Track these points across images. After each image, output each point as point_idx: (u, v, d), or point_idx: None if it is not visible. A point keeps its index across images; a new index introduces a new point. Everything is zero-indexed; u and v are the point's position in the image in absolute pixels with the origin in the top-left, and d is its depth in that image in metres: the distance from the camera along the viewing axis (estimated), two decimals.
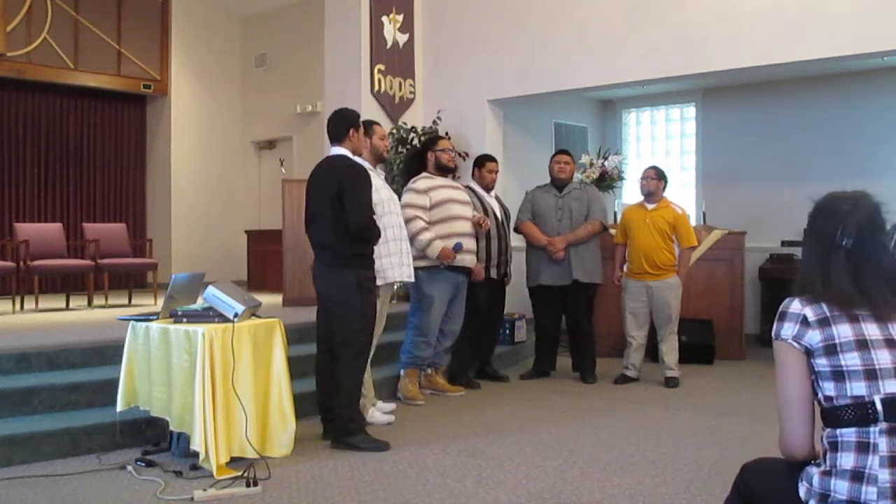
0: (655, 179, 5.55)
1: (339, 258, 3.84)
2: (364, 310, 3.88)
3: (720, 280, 6.49)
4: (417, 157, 5.14)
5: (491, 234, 5.34)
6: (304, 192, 4.02)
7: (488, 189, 5.49)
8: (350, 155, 3.95)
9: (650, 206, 5.54)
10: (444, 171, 5.03)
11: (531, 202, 5.68)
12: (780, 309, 1.79)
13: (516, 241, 5.89)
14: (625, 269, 5.58)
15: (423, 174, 4.98)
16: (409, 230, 4.65)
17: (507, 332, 6.38)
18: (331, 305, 3.91)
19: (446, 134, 7.16)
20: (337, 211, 3.79)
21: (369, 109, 6.83)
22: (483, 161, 5.58)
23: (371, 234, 3.89)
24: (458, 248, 4.89)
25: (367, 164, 4.39)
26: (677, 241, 5.50)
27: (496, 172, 5.53)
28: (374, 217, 3.95)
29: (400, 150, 6.94)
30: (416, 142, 7.05)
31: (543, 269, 5.52)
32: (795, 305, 1.77)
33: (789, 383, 1.75)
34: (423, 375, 5.15)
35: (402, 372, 4.94)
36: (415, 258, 4.67)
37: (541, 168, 5.88)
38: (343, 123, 3.99)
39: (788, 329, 1.76)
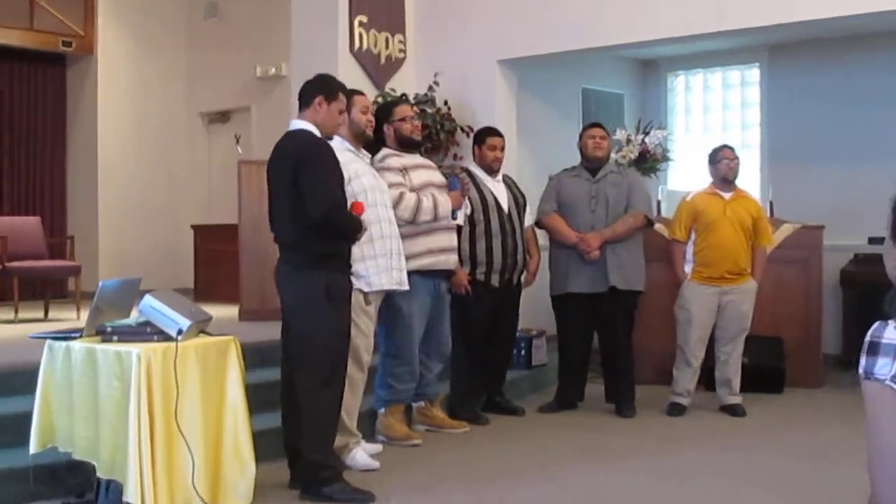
0: (738, 161, 5.63)
1: (305, 258, 3.86)
2: (333, 325, 3.89)
3: (791, 287, 6.49)
4: (375, 132, 4.91)
5: (493, 229, 5.33)
6: (266, 179, 4.04)
7: (492, 171, 5.49)
8: (312, 129, 3.96)
9: (727, 196, 5.59)
10: (409, 145, 4.95)
11: (556, 190, 5.68)
12: (868, 337, 1.73)
13: (540, 238, 5.88)
14: (688, 270, 5.60)
15: (387, 150, 4.89)
16: (402, 209, 4.66)
17: (523, 352, 6.39)
18: (291, 317, 3.93)
19: (445, 103, 7.19)
20: (296, 200, 3.81)
21: (348, 73, 6.82)
22: (483, 136, 5.57)
23: (342, 225, 3.90)
24: (454, 186, 4.92)
25: (346, 145, 4.39)
26: (753, 238, 5.60)
27: (501, 149, 5.52)
28: (352, 207, 3.97)
29: None
30: None
31: (573, 274, 5.53)
32: (890, 333, 1.70)
33: (886, 433, 1.70)
34: (415, 409, 5.16)
35: (382, 410, 4.92)
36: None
37: (565, 146, 5.90)
38: (310, 89, 4.00)
39: (884, 366, 1.69)
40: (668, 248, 5.73)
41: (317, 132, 3.97)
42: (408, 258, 4.65)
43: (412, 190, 4.80)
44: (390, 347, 4.91)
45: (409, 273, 4.65)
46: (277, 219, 3.96)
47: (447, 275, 5.06)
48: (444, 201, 4.86)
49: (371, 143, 4.74)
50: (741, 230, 5.52)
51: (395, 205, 4.65)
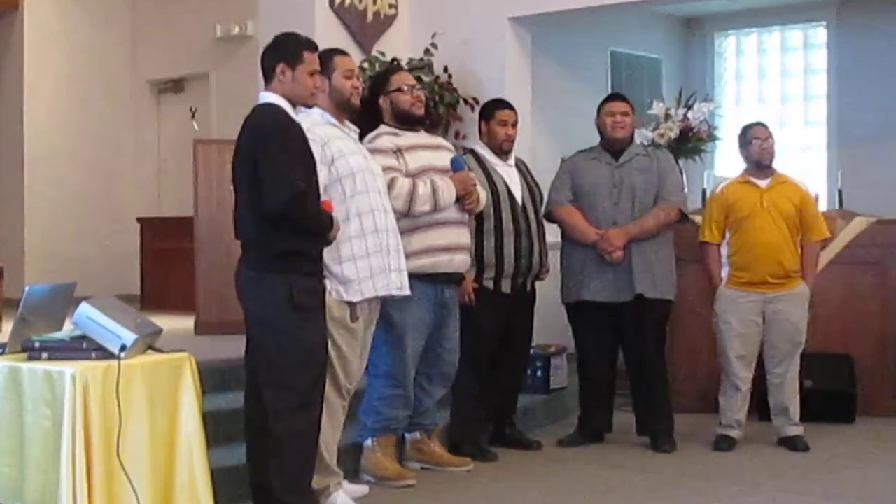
0: (772, 140, 5.63)
1: (266, 259, 3.89)
2: (302, 338, 3.90)
3: (865, 294, 6.47)
4: (368, 106, 4.93)
5: (504, 224, 5.32)
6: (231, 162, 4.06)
7: (503, 152, 5.49)
8: (282, 103, 3.99)
9: (763, 183, 5.59)
10: (409, 121, 4.96)
11: (571, 175, 5.69)
12: None
13: (553, 236, 5.88)
14: (724, 275, 5.62)
15: (382, 128, 4.92)
16: (394, 197, 4.65)
17: (539, 373, 6.39)
18: (254, 330, 3.96)
19: (445, 70, 7.18)
20: (256, 190, 3.85)
21: (327, 33, 6.82)
22: (491, 110, 5.57)
23: (307, 220, 3.92)
24: (458, 165, 4.94)
25: (328, 118, 4.40)
26: (801, 233, 5.59)
27: (513, 125, 5.51)
28: (326, 197, 4.01)
29: None
30: None
31: (590, 278, 5.52)
32: None
33: None
34: (409, 443, 5.17)
35: (369, 442, 4.92)
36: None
37: (589, 122, 5.88)
38: (268, 57, 4.04)
39: None
40: (702, 252, 5.72)
41: (287, 106, 3.99)
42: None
43: (407, 175, 4.80)
44: (379, 365, 4.89)
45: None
46: (237, 211, 4.00)
47: (454, 279, 5.03)
48: (446, 187, 4.84)
49: (359, 116, 4.75)
50: (784, 223, 5.50)
51: (387, 192, 4.65)
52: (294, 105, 4.02)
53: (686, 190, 5.95)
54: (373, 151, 4.73)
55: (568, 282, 5.64)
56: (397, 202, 4.69)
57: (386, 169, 4.68)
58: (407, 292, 4.54)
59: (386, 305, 4.68)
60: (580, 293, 5.56)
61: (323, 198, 4.09)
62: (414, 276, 4.72)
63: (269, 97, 4.01)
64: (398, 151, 4.84)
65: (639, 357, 5.63)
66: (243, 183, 3.92)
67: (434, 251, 4.86)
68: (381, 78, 5.16)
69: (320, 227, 3.98)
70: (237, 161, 3.97)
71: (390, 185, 4.68)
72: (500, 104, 5.62)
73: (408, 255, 4.70)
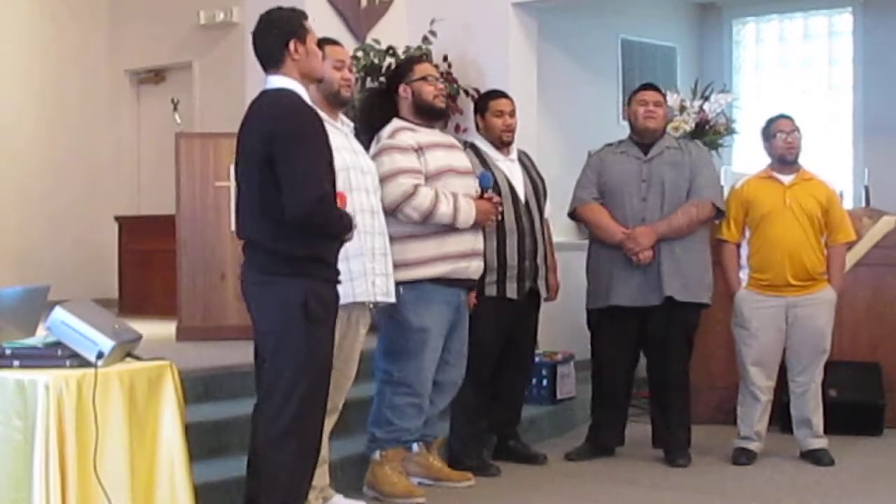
0: (798, 135, 5.64)
1: (277, 263, 3.85)
2: (310, 349, 3.88)
3: (894, 299, 6.49)
4: (384, 96, 5.02)
5: (507, 223, 5.31)
6: (234, 153, 4.02)
7: (503, 144, 5.49)
8: (297, 88, 3.95)
9: (786, 179, 5.61)
10: (431, 115, 5.00)
11: (598, 171, 5.69)
12: None
13: (561, 236, 5.87)
14: (743, 277, 5.63)
15: (399, 123, 4.94)
16: (412, 208, 4.70)
17: (545, 382, 6.40)
18: (259, 340, 3.94)
19: (445, 59, 7.18)
20: (269, 186, 3.80)
21: (318, 19, 6.74)
22: (485, 101, 5.57)
23: (329, 225, 3.90)
24: (486, 183, 4.96)
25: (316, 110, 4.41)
26: (826, 234, 5.60)
27: (511, 115, 5.50)
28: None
29: (370, 84, 6.94)
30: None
31: (617, 281, 5.52)
32: None
33: None
34: (408, 456, 5.16)
35: (375, 455, 4.92)
36: (400, 266, 4.68)
37: (599, 113, 5.92)
38: (276, 34, 3.96)
39: None
40: (718, 251, 5.72)
41: (304, 92, 3.95)
42: (418, 264, 4.72)
43: (427, 176, 4.83)
44: (391, 372, 4.91)
45: (423, 281, 4.71)
46: (242, 209, 3.94)
47: (468, 285, 5.04)
48: (467, 211, 4.84)
49: (372, 106, 4.78)
50: (808, 223, 5.51)
51: (406, 200, 4.70)
52: (307, 85, 3.99)
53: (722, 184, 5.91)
54: (392, 149, 4.79)
55: (595, 285, 5.64)
56: (414, 213, 4.75)
57: (406, 171, 4.72)
58: (392, 299, 4.56)
59: (402, 308, 4.73)
60: (608, 297, 5.55)
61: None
62: (432, 281, 4.80)
63: (280, 81, 3.93)
64: (419, 150, 4.87)
65: (662, 364, 5.64)
66: (251, 180, 3.86)
67: (452, 258, 4.89)
68: (403, 66, 5.18)
69: (342, 231, 3.96)
70: (244, 154, 3.90)
71: (412, 193, 4.73)
72: (494, 94, 5.63)
73: (424, 262, 4.79)
